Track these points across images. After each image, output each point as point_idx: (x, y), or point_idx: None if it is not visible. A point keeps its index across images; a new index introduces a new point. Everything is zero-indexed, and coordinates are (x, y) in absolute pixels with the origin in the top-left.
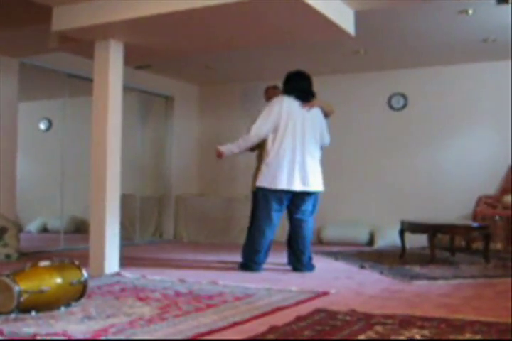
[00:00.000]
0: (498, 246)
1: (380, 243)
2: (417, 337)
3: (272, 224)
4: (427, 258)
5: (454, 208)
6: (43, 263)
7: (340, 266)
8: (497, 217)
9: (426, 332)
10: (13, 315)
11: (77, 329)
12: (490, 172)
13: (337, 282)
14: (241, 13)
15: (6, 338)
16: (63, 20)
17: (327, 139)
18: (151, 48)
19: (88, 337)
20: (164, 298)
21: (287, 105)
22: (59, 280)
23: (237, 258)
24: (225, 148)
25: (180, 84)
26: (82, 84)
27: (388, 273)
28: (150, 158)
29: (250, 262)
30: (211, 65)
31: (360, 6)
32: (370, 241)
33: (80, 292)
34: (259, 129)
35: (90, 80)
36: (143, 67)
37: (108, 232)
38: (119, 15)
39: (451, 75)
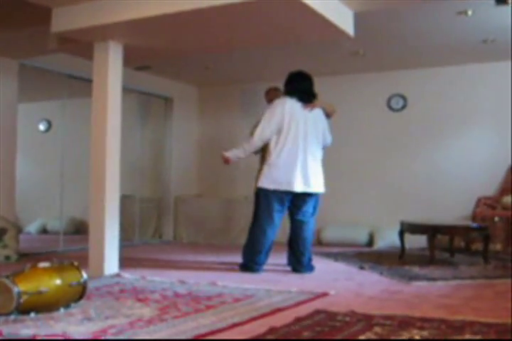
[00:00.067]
0: (498, 246)
1: (380, 244)
2: (417, 337)
3: (274, 225)
4: (427, 259)
5: (453, 209)
6: (43, 265)
7: (339, 267)
8: (496, 218)
9: (425, 333)
10: (12, 317)
11: (76, 330)
12: (489, 173)
13: (336, 283)
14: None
15: (5, 339)
16: (62, 21)
17: (329, 139)
18: (150, 49)
19: (87, 338)
20: (164, 299)
21: (289, 106)
22: (58, 282)
23: (237, 259)
24: (231, 154)
25: (179, 85)
26: (81, 86)
27: (388, 274)
28: (149, 159)
29: (251, 263)
30: (210, 66)
31: (360, 6)
32: (370, 242)
33: (79, 293)
34: (262, 133)
35: (90, 81)
36: (142, 68)
37: (107, 233)
38: (118, 17)
39: (451, 76)
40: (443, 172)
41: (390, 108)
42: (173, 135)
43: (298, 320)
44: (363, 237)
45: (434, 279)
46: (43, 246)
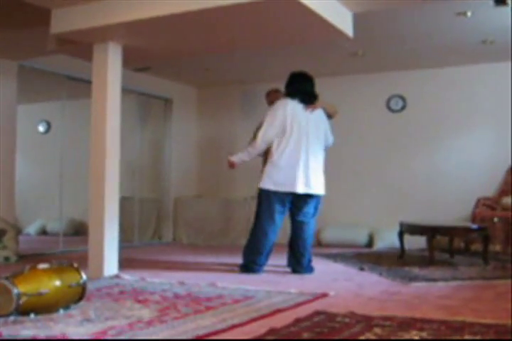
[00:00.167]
0: (497, 247)
1: (379, 245)
2: (416, 338)
3: (275, 226)
4: (426, 259)
5: (452, 210)
6: (42, 266)
7: (339, 268)
8: (496, 219)
9: (425, 334)
10: (12, 318)
11: (76, 331)
12: (489, 173)
13: (336, 284)
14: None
15: (4, 340)
16: (62, 22)
17: (331, 140)
18: (150, 50)
19: (87, 339)
20: (163, 301)
21: (291, 108)
22: (58, 283)
23: (237, 260)
24: (237, 158)
25: (179, 86)
26: (80, 87)
27: (387, 275)
28: (149, 160)
29: (251, 263)
30: (210, 66)
31: (359, 7)
32: (369, 243)
33: (78, 294)
34: (265, 135)
35: (89, 82)
36: (142, 69)
37: (107, 234)
38: (117, 18)
39: (450, 77)
40: (442, 173)
41: (390, 109)
42: (172, 136)
43: (298, 321)
44: (362, 238)
45: (433, 280)
46: (42, 248)
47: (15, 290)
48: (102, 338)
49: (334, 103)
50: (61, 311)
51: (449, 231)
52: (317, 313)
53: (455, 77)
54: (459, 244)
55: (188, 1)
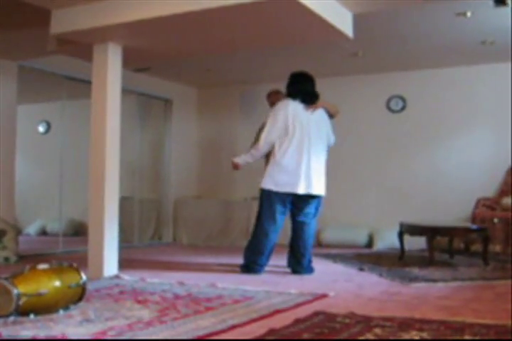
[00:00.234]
0: (497, 248)
1: (379, 245)
2: (416, 339)
3: (276, 226)
4: (426, 260)
5: (452, 210)
6: (42, 266)
7: (339, 269)
8: (496, 219)
9: (425, 335)
10: (11, 318)
11: (75, 332)
12: (489, 174)
13: (336, 284)
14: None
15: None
16: (62, 23)
17: (332, 140)
18: (150, 51)
19: (87, 339)
20: (163, 301)
21: (292, 108)
22: (58, 283)
23: (236, 260)
24: (241, 160)
25: (179, 86)
26: (80, 87)
27: (387, 276)
28: (149, 160)
29: (252, 264)
30: (210, 67)
31: (359, 8)
32: (369, 244)
33: (78, 295)
34: (268, 137)
35: (89, 83)
36: (142, 69)
37: (107, 235)
38: (117, 18)
39: (450, 77)
40: (442, 173)
41: (390, 109)
42: (172, 136)
43: (297, 321)
44: (362, 238)
45: (433, 280)
46: (42, 248)
47: (15, 291)
48: (102, 338)
49: (335, 103)
50: (61, 311)
51: (449, 231)
52: (317, 314)
53: (455, 77)
54: (458, 245)
55: (188, 1)
